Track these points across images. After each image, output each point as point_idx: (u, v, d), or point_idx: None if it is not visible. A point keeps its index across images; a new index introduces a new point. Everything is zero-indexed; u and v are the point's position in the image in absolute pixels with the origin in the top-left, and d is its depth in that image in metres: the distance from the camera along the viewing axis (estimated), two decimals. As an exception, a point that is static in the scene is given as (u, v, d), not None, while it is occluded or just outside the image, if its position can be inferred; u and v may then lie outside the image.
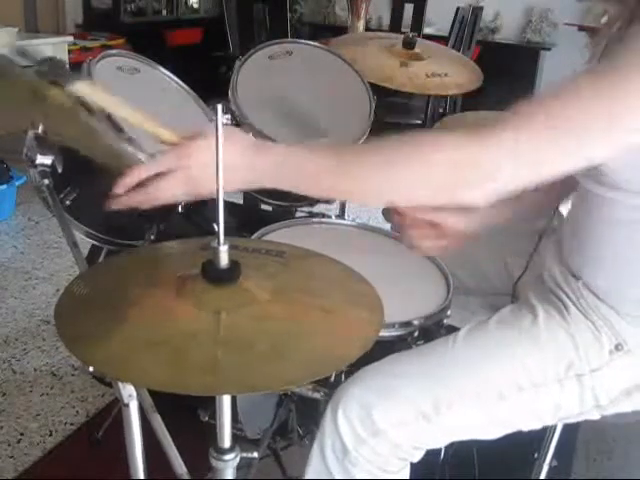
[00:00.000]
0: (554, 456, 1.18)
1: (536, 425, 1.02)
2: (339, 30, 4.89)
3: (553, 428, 1.14)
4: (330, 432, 0.96)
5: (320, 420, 1.00)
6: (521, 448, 1.18)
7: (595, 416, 1.01)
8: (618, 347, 0.96)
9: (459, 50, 3.67)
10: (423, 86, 1.84)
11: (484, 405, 0.97)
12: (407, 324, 1.07)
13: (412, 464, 1.00)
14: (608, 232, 0.95)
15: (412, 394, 0.96)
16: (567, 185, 1.05)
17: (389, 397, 0.95)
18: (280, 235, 1.29)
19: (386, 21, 5.32)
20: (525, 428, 1.01)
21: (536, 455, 1.19)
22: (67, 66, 1.10)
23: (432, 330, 1.11)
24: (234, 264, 0.79)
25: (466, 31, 3.80)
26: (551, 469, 1.19)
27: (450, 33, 3.73)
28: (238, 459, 0.85)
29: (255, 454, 0.98)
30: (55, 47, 3.58)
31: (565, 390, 0.97)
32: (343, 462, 0.96)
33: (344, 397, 0.96)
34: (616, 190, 0.90)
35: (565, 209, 1.22)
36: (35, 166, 1.19)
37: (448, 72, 1.89)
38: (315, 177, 0.83)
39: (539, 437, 1.15)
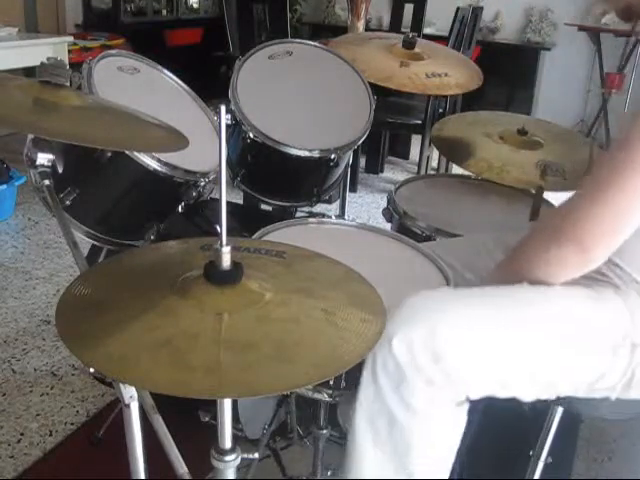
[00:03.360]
0: (549, 453, 1.18)
1: (570, 392, 1.01)
2: (339, 30, 4.88)
3: (549, 426, 1.15)
4: (383, 354, 0.93)
5: (322, 420, 0.99)
6: (517, 445, 1.18)
7: (614, 396, 1.01)
8: None
9: (459, 50, 3.67)
10: (423, 86, 1.84)
11: (543, 358, 0.96)
12: (407, 324, 1.07)
13: None
14: None
15: (479, 329, 0.94)
16: None
17: (455, 325, 0.93)
18: (280, 235, 1.29)
19: (386, 21, 5.32)
20: (563, 393, 1.00)
21: (532, 452, 1.19)
22: (67, 66, 1.10)
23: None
24: (236, 265, 0.79)
25: (466, 31, 3.79)
26: (546, 465, 1.20)
27: (450, 33, 3.72)
28: (239, 460, 0.85)
29: (256, 455, 0.98)
30: (55, 47, 3.58)
31: (616, 358, 0.97)
32: (399, 388, 0.93)
33: (406, 316, 0.93)
34: None
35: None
36: (35, 166, 1.19)
37: (448, 72, 1.89)
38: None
39: (535, 434, 1.16)
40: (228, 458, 0.84)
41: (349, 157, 1.72)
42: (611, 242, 0.92)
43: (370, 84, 1.71)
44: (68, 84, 1.10)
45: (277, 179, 1.63)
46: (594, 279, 1.03)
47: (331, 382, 1.09)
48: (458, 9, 3.76)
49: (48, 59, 1.08)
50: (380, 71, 1.82)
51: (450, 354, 0.92)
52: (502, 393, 0.98)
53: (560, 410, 1.13)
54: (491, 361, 0.95)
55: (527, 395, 0.99)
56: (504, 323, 0.96)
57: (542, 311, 0.98)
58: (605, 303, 0.99)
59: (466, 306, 0.97)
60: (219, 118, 0.75)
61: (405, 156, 4.45)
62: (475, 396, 0.97)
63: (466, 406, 0.98)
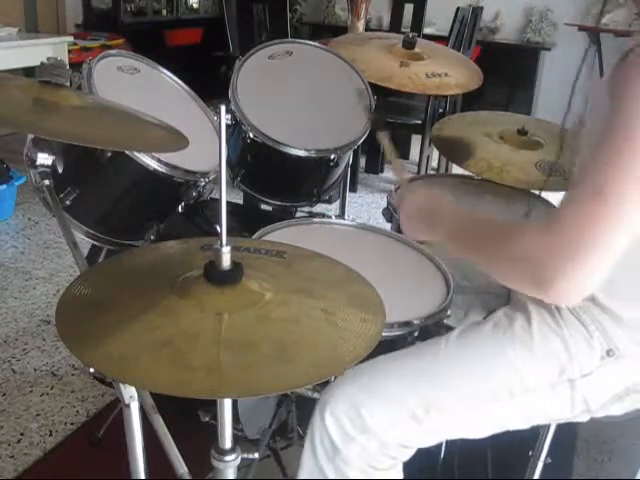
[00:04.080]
0: (548, 453, 1.18)
1: (525, 426, 1.02)
2: (339, 30, 4.88)
3: (547, 426, 1.15)
4: (319, 431, 0.97)
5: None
6: (516, 446, 1.18)
7: (584, 419, 1.02)
8: (609, 353, 0.95)
9: (459, 50, 3.67)
10: (423, 86, 1.84)
11: (474, 408, 0.98)
12: (407, 324, 1.07)
13: (409, 462, 1.00)
14: None
15: (402, 394, 0.96)
16: None
17: (378, 396, 0.95)
18: (280, 235, 1.29)
19: (386, 21, 5.32)
20: (513, 428, 1.01)
21: (531, 452, 1.19)
22: (67, 66, 1.10)
23: (432, 330, 1.11)
24: (236, 265, 0.79)
25: (466, 31, 3.79)
26: (546, 466, 1.20)
27: (450, 33, 3.72)
28: (239, 460, 0.85)
29: (256, 455, 0.98)
30: (55, 47, 3.58)
31: (556, 395, 0.97)
32: (334, 460, 0.96)
33: (332, 395, 0.96)
34: None
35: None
36: (35, 167, 1.19)
37: (448, 72, 1.89)
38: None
39: (534, 435, 1.16)
40: (228, 458, 0.84)
41: (349, 157, 1.72)
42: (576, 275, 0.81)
43: (370, 84, 1.71)
44: (68, 84, 1.10)
45: (277, 179, 1.63)
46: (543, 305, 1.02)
47: (331, 381, 1.09)
48: (458, 9, 3.76)
49: (48, 59, 1.08)
50: (380, 71, 1.82)
51: (379, 428, 0.94)
52: (449, 437, 1.01)
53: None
54: (424, 424, 0.96)
55: (477, 435, 1.01)
56: (430, 390, 0.97)
57: (468, 364, 0.99)
58: (537, 346, 0.98)
59: (388, 378, 0.98)
60: (219, 118, 0.76)
61: (405, 156, 4.45)
62: (420, 446, 0.99)
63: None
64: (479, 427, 1.00)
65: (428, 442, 1.00)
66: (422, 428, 0.96)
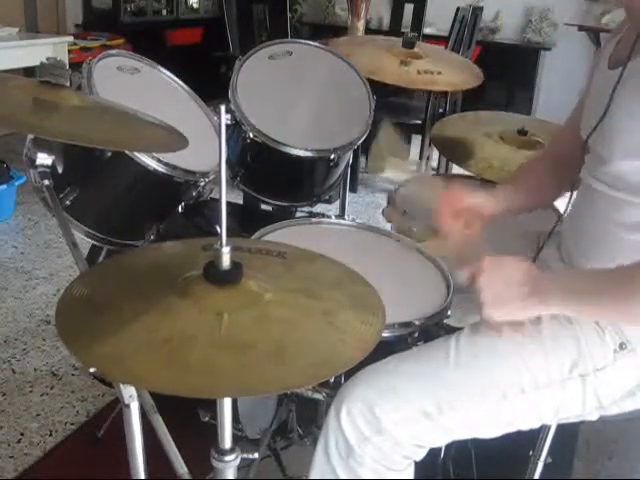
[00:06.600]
0: (549, 453, 1.18)
1: (535, 425, 1.02)
2: (339, 30, 4.89)
3: (548, 426, 1.15)
4: (334, 431, 0.97)
5: (322, 420, 1.00)
6: (517, 445, 1.18)
7: (594, 417, 1.02)
8: (622, 346, 0.96)
9: (459, 51, 3.67)
10: (412, 81, 1.83)
11: (486, 406, 0.97)
12: (407, 324, 1.08)
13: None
14: (623, 235, 0.96)
15: (415, 393, 0.96)
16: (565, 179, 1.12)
17: (393, 396, 0.96)
18: (280, 235, 1.29)
19: (386, 21, 5.32)
20: (525, 428, 1.01)
21: (531, 452, 1.19)
22: (67, 66, 1.10)
23: (432, 330, 1.11)
24: (236, 265, 0.79)
25: (466, 31, 3.79)
26: (546, 466, 1.20)
27: (450, 33, 3.73)
28: (239, 460, 0.85)
29: (256, 455, 0.98)
30: (55, 47, 3.58)
31: (568, 391, 0.97)
32: (348, 461, 0.96)
33: (348, 396, 0.96)
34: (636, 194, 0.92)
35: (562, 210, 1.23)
36: (35, 167, 1.19)
37: (442, 71, 1.88)
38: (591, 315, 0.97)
39: (534, 435, 1.16)
40: (228, 458, 0.84)
41: (349, 157, 1.72)
42: None
43: (370, 84, 1.71)
44: (68, 84, 1.10)
45: (277, 179, 1.63)
46: None
47: (331, 382, 1.09)
48: (458, 9, 3.76)
49: (48, 59, 1.08)
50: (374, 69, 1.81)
51: (393, 428, 0.95)
52: (462, 437, 1.00)
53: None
54: (438, 423, 0.96)
55: (489, 434, 1.01)
56: (443, 388, 0.97)
57: (479, 362, 0.99)
58: (548, 342, 0.97)
59: (401, 378, 0.98)
60: (219, 118, 0.76)
61: (405, 156, 4.45)
62: (433, 445, 0.99)
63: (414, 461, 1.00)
64: (491, 425, 1.00)
65: (441, 441, 1.00)
66: (435, 427, 0.96)
